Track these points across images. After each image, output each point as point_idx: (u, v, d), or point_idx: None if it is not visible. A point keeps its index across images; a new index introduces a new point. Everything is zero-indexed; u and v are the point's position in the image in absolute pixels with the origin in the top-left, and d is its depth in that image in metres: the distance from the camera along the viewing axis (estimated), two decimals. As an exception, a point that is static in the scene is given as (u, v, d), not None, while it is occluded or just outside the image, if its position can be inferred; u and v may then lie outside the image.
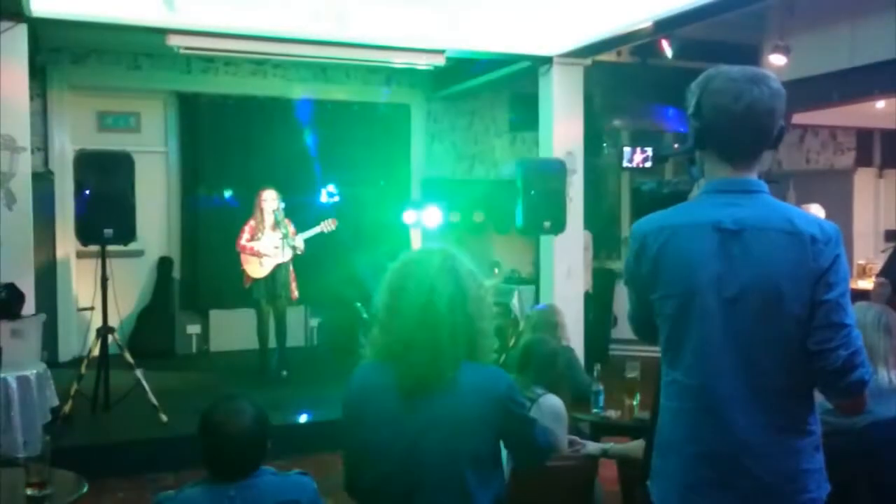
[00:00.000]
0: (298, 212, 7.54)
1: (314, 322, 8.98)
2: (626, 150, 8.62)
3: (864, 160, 10.07)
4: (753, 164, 1.92)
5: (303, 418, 6.15)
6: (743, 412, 1.82)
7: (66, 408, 5.45)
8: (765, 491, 1.82)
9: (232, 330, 8.34)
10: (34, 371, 5.02)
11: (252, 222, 7.00)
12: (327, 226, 7.18)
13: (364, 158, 8.93)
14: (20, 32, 5.74)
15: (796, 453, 1.83)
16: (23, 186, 5.82)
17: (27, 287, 5.70)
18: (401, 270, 2.17)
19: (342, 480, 2.24)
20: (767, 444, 1.82)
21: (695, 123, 1.94)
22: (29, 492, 3.14)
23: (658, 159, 8.50)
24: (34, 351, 5.67)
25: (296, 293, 7.11)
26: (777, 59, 6.63)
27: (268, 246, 6.92)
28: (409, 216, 8.66)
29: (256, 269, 6.96)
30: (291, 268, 7.05)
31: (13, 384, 4.81)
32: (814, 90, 6.88)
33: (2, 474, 3.89)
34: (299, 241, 6.99)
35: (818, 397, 1.91)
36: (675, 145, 8.56)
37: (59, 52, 7.89)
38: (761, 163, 1.94)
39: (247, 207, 7.22)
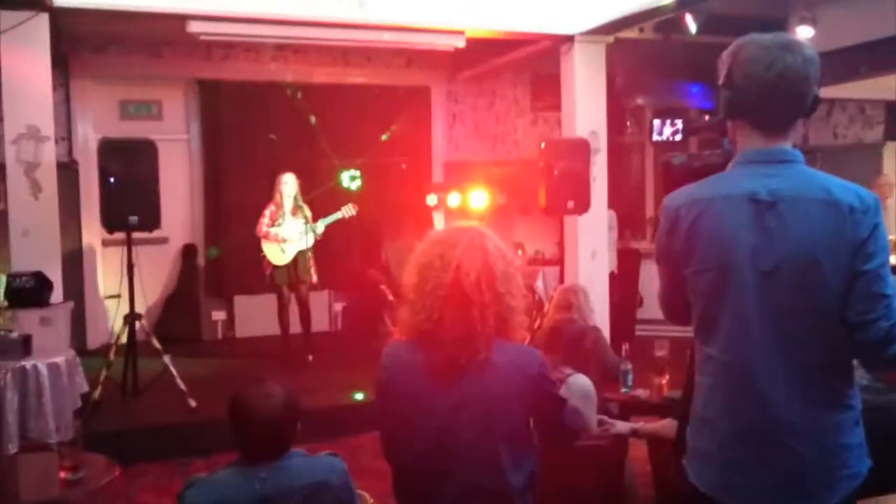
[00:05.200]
0: (320, 196, 7.53)
1: (338, 306, 9.00)
2: (656, 122, 8.49)
3: (893, 134, 9.85)
4: (788, 132, 1.87)
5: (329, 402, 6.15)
6: (780, 387, 1.79)
7: (96, 394, 5.52)
8: (805, 467, 1.78)
9: (257, 316, 8.36)
10: (63, 358, 5.09)
11: (272, 207, 6.97)
12: (347, 210, 7.14)
13: (385, 141, 8.93)
14: (42, 22, 5.76)
15: (836, 428, 1.80)
16: (48, 176, 5.86)
17: (54, 275, 5.75)
18: (428, 249, 2.15)
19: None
20: (806, 420, 1.78)
21: (726, 93, 1.89)
22: (62, 475, 3.20)
23: (688, 132, 8.37)
24: (63, 338, 5.73)
25: (315, 278, 7.09)
26: (804, 31, 6.51)
27: (291, 232, 6.90)
28: (431, 198, 8.64)
29: (278, 255, 6.92)
30: (311, 253, 7.03)
31: (44, 371, 4.88)
32: (841, 63, 6.72)
33: (35, 459, 3.96)
34: (319, 227, 6.97)
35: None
36: (706, 117, 8.42)
37: (80, 42, 7.91)
38: (796, 132, 1.89)
39: (269, 193, 7.20)
